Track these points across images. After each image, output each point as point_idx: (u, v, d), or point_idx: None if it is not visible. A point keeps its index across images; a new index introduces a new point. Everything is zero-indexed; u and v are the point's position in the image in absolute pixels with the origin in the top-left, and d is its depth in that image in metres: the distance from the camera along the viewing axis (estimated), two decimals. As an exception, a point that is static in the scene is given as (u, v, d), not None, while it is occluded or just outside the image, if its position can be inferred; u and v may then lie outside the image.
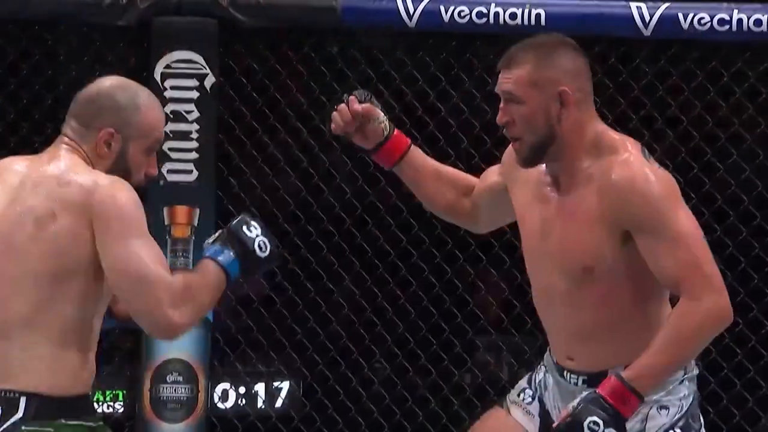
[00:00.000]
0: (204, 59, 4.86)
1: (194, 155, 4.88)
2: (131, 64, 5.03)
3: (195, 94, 4.87)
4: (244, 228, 2.65)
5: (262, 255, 2.64)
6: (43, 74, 4.95)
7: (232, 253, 2.61)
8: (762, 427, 4.83)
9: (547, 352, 3.06)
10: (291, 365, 5.27)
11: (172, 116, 4.84)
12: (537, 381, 3.07)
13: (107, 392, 5.15)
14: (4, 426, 2.55)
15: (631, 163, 2.80)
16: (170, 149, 4.85)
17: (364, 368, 5.15)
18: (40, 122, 4.95)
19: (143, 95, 2.69)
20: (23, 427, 2.54)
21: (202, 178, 4.93)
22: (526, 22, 4.46)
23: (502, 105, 2.81)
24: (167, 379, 4.91)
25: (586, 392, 2.76)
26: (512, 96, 2.81)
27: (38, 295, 2.55)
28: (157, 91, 4.74)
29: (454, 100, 5.09)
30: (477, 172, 5.02)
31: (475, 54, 4.99)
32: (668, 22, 4.41)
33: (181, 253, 4.88)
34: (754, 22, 4.34)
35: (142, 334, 4.71)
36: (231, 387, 5.28)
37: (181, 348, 4.85)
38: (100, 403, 5.16)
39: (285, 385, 5.28)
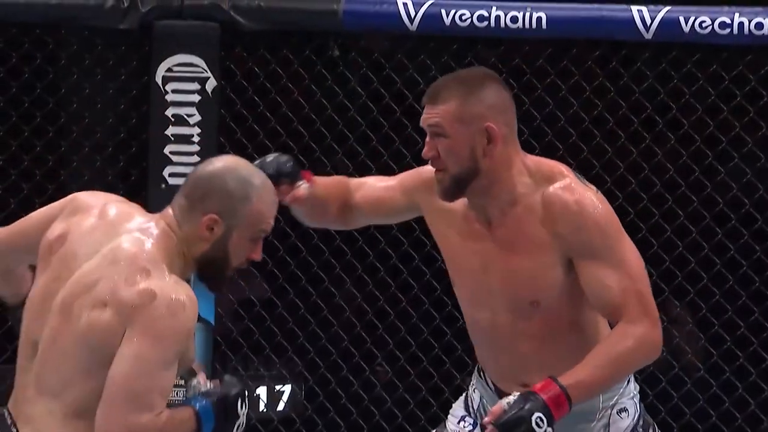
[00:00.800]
0: (205, 63, 4.85)
1: (196, 158, 4.83)
2: (132, 68, 5.03)
3: (196, 98, 4.86)
4: (238, 407, 2.72)
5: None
6: (45, 78, 4.94)
7: (214, 412, 2.66)
8: (763, 430, 4.82)
9: (481, 379, 3.04)
10: (293, 369, 5.26)
11: (173, 120, 4.85)
12: (474, 408, 3.06)
13: None
14: None
15: (573, 188, 2.82)
16: (171, 153, 4.84)
17: (366, 371, 5.13)
18: (42, 126, 4.94)
19: (256, 183, 2.63)
20: None
21: None
22: (527, 25, 4.44)
23: (428, 139, 2.82)
24: None
25: (521, 392, 2.74)
26: (438, 130, 2.81)
27: (66, 375, 2.55)
28: (159, 94, 4.82)
29: None
30: None
31: (477, 57, 4.98)
32: (669, 25, 4.38)
33: None
34: (755, 25, 4.31)
35: None
36: None
37: None
38: None
39: (287, 389, 5.27)
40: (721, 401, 4.68)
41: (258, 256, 2.65)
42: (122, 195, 5.16)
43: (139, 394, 2.48)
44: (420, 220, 4.91)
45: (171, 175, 4.90)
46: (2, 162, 4.89)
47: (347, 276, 5.17)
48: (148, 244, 2.58)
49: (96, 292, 2.53)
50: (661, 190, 4.81)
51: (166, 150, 4.86)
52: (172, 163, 4.83)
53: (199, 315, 4.75)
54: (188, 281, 2.63)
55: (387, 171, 4.82)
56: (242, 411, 2.70)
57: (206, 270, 2.63)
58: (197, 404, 2.63)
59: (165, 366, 2.51)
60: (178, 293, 2.52)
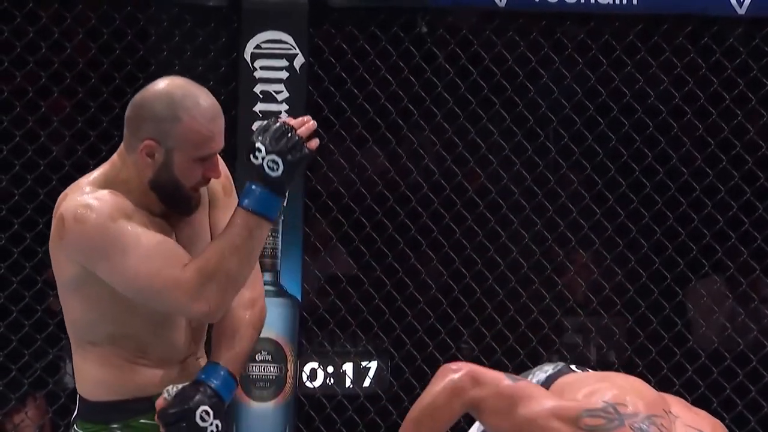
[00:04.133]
0: (294, 39, 4.87)
1: None
2: (221, 45, 5.04)
3: (285, 75, 4.87)
4: (251, 156, 2.47)
5: (276, 174, 2.47)
6: (135, 54, 4.98)
7: (254, 187, 2.47)
8: None
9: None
10: (379, 345, 5.30)
11: (261, 96, 4.90)
12: None
13: None
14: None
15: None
16: None
17: (452, 348, 5.11)
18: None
19: (188, 103, 2.52)
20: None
21: None
22: (617, 0, 4.44)
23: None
24: (256, 358, 4.95)
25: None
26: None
27: (67, 313, 2.60)
28: (247, 71, 4.86)
29: (544, 80, 5.10)
30: (567, 153, 5.05)
31: (565, 33, 4.98)
32: (763, 0, 4.40)
33: (270, 232, 4.95)
34: None
35: None
36: (319, 366, 5.31)
37: (270, 327, 4.72)
38: None
39: (373, 365, 5.30)
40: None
41: (215, 173, 2.55)
42: None
43: (152, 277, 2.46)
44: (506, 197, 4.98)
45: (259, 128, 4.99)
46: (95, 138, 4.95)
47: (433, 253, 5.17)
48: (91, 175, 2.57)
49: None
50: (752, 167, 4.85)
51: (255, 126, 4.80)
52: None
53: (285, 291, 4.92)
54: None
55: (474, 148, 5.04)
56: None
57: (162, 194, 2.54)
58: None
59: (135, 246, 2.46)
60: (78, 202, 2.49)
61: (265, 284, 4.90)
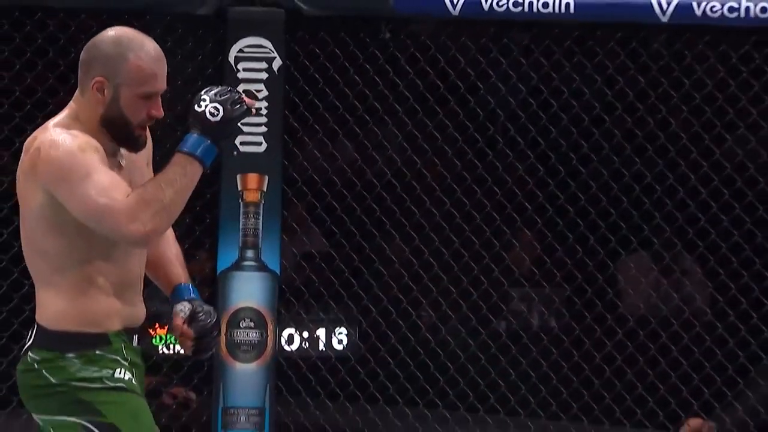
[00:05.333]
0: (272, 44, 4.85)
1: (263, 129, 4.87)
2: (209, 49, 5.05)
3: (264, 75, 4.86)
4: (195, 106, 2.50)
5: (214, 119, 2.48)
6: None
7: (191, 135, 2.49)
8: (763, 366, 4.78)
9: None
10: (348, 313, 5.28)
11: (245, 95, 4.94)
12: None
13: None
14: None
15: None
16: (243, 124, 4.84)
17: (413, 316, 5.16)
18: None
19: (134, 45, 2.54)
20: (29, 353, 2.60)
21: (271, 149, 4.93)
22: (557, 10, 4.45)
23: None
24: (240, 324, 4.93)
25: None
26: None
27: (30, 245, 2.58)
28: (231, 72, 4.82)
29: (492, 80, 5.13)
30: (513, 144, 5.09)
31: (511, 39, 5.02)
32: (684, 9, 4.40)
33: (252, 215, 4.89)
34: (760, 9, 4.31)
35: (217, 286, 4.76)
36: (296, 332, 5.29)
37: (252, 297, 4.89)
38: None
39: (343, 331, 5.29)
40: (725, 341, 4.72)
41: (158, 112, 2.56)
42: None
43: (98, 202, 2.45)
44: (460, 184, 4.97)
45: (242, 143, 4.94)
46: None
47: (396, 232, 5.19)
48: (54, 119, 2.57)
49: (18, 178, 2.57)
50: (674, 156, 4.85)
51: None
52: (243, 132, 4.83)
53: (266, 266, 4.87)
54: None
55: (431, 140, 5.03)
56: (201, 106, 2.49)
57: (112, 131, 2.56)
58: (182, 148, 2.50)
59: (93, 174, 2.46)
60: (57, 136, 2.50)
61: (248, 260, 5.19)
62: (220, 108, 2.47)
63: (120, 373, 2.58)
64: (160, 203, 2.45)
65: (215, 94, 2.49)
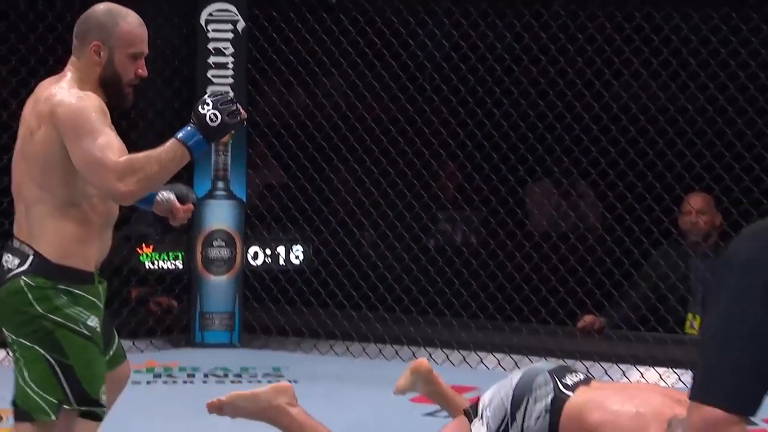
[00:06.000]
0: (237, 9, 5.07)
1: (230, 80, 5.15)
2: (182, 14, 5.12)
3: (230, 35, 5.07)
4: (199, 107, 2.49)
5: (213, 125, 2.46)
6: None
7: (190, 129, 2.47)
8: (640, 274, 4.86)
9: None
10: (304, 233, 5.31)
11: (213, 51, 5.05)
12: None
13: (170, 253, 5.22)
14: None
15: None
16: (213, 76, 5.12)
17: (357, 234, 5.28)
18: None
19: (122, 14, 2.60)
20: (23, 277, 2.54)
21: (236, 97, 5.07)
22: None
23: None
24: (213, 244, 5.20)
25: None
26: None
27: (37, 181, 2.55)
28: (203, 33, 5.01)
29: (421, 37, 5.16)
30: (438, 90, 5.10)
31: (437, 3, 5.06)
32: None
33: (222, 153, 5.18)
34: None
35: (195, 213, 5.03)
36: (260, 249, 5.32)
37: (222, 221, 5.14)
38: (165, 261, 5.25)
39: (299, 248, 5.30)
40: (613, 251, 4.92)
41: (143, 71, 2.59)
42: (176, 106, 5.38)
43: (97, 157, 2.44)
44: (395, 124, 5.12)
45: (212, 93, 5.18)
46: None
47: (342, 165, 5.30)
48: (56, 84, 2.59)
49: (30, 125, 2.57)
50: (571, 99, 4.95)
51: (209, 74, 5.15)
52: (213, 83, 5.10)
53: (234, 195, 5.22)
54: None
55: (372, 88, 5.15)
56: (204, 109, 2.48)
57: (109, 89, 2.58)
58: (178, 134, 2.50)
59: (99, 134, 2.47)
60: (76, 92, 2.53)
61: (219, 190, 5.26)
62: (219, 116, 2.46)
63: (92, 321, 2.55)
64: (145, 173, 2.43)
65: (218, 102, 2.48)
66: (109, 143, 2.46)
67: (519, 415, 2.55)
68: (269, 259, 5.31)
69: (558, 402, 2.55)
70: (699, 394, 1.46)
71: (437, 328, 5.07)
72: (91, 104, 2.50)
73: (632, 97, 4.99)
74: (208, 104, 2.49)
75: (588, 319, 4.90)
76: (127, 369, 2.78)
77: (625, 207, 4.94)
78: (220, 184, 5.20)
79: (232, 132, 2.55)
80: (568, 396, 2.55)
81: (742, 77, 4.62)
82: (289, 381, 4.10)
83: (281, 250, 5.32)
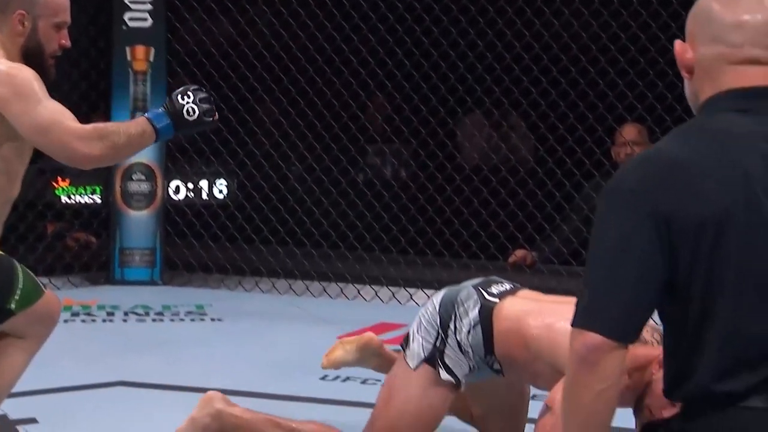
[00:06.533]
0: None
1: (149, 6, 5.12)
2: None
3: None
4: (179, 96, 2.52)
5: (189, 118, 2.50)
6: None
7: (163, 113, 2.50)
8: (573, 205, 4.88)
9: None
10: (227, 166, 5.33)
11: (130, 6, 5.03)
12: None
13: (87, 187, 5.21)
14: None
15: None
16: (131, 2, 5.09)
17: (283, 168, 5.28)
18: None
19: None
20: None
21: (156, 24, 5.13)
22: None
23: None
24: (133, 177, 5.15)
25: None
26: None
27: None
28: None
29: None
30: (366, 20, 5.07)
31: None
32: None
33: (141, 83, 5.14)
34: None
35: None
36: (182, 183, 5.34)
37: (143, 154, 4.95)
38: (82, 195, 5.25)
39: (223, 182, 5.34)
40: (545, 183, 4.94)
41: (67, 42, 2.59)
42: (93, 33, 5.32)
43: (56, 121, 2.44)
44: (321, 54, 5.08)
45: (131, 19, 5.13)
46: None
47: (267, 96, 5.28)
48: None
49: None
50: (502, 27, 4.96)
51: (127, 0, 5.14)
52: (130, 9, 5.07)
53: (155, 126, 5.08)
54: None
55: (297, 16, 5.08)
56: (184, 100, 2.50)
57: (32, 60, 2.56)
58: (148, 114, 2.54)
59: (46, 100, 2.47)
60: (9, 63, 2.52)
61: None
62: (197, 112, 2.50)
63: None
64: (112, 142, 2.44)
65: (198, 99, 2.50)
66: (62, 109, 2.46)
67: (450, 334, 2.52)
68: (191, 193, 5.33)
69: (486, 310, 2.52)
70: (582, 320, 1.50)
71: (366, 264, 5.10)
72: (30, 74, 2.49)
73: (564, 25, 4.99)
74: (188, 96, 2.51)
75: (519, 253, 4.94)
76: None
77: (557, 138, 4.96)
78: (139, 115, 5.03)
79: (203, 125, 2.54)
80: (495, 303, 2.52)
81: (674, 3, 4.60)
82: (213, 319, 4.50)
83: (204, 184, 5.34)
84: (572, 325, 1.51)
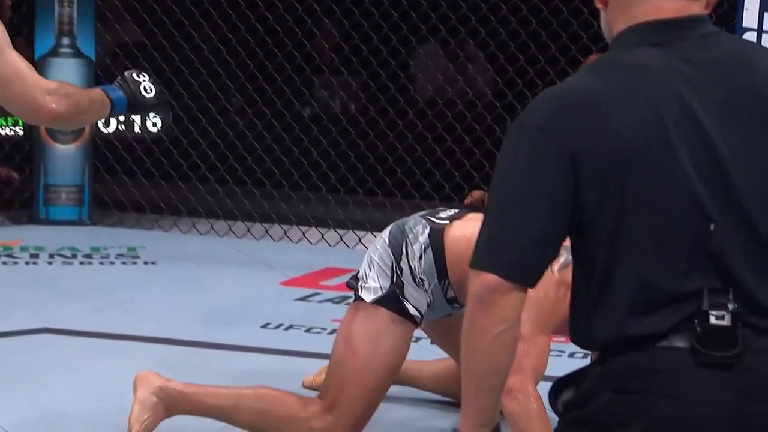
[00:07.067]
0: None
1: None
2: None
3: None
4: (134, 74, 2.49)
5: (147, 95, 2.47)
6: None
7: (120, 91, 2.47)
8: None
9: None
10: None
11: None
12: None
13: (9, 118, 5.10)
14: None
15: None
16: None
17: (222, 100, 5.19)
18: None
19: None
20: None
21: None
22: None
23: None
24: None
25: None
26: None
27: None
28: None
29: None
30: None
31: None
32: None
33: (67, 3, 4.94)
34: None
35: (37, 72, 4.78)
36: None
37: (68, 81, 4.78)
38: (3, 127, 5.14)
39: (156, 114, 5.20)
40: (504, 119, 4.85)
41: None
42: None
43: (18, 69, 2.34)
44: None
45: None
46: None
47: (205, 21, 5.15)
48: None
49: None
50: None
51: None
52: None
53: (82, 52, 4.95)
54: None
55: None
56: (140, 78, 2.50)
57: None
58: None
59: (12, 48, 2.38)
60: None
61: (64, 47, 5.38)
62: (154, 91, 2.50)
63: None
64: (77, 102, 2.40)
65: (159, 86, 2.53)
66: (27, 63, 2.36)
67: (404, 263, 2.56)
68: (122, 126, 5.19)
69: (435, 233, 2.57)
70: (482, 261, 1.52)
71: (311, 204, 5.05)
72: None
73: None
74: (144, 75, 2.51)
75: (476, 194, 4.78)
76: None
77: (517, 70, 4.88)
78: (66, 40, 5.02)
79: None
80: (445, 224, 2.58)
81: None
82: (146, 262, 4.46)
83: (137, 118, 5.17)
84: (470, 266, 1.53)
